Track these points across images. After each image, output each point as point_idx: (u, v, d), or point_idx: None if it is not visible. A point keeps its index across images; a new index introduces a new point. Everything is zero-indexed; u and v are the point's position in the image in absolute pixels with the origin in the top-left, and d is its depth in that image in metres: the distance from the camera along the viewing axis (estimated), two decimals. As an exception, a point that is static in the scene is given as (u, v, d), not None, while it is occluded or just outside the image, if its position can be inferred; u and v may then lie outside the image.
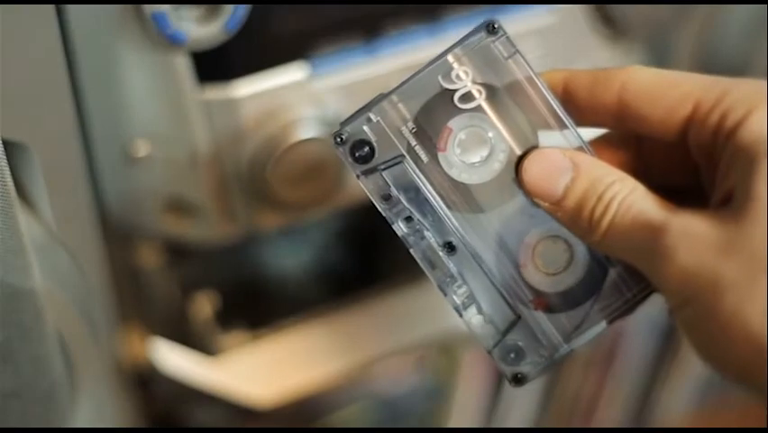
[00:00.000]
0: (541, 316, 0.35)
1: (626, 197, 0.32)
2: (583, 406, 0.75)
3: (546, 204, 0.34)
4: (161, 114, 0.41)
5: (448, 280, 0.35)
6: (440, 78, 0.34)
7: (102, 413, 0.47)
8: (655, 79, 0.34)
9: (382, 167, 0.34)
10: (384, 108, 0.34)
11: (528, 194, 0.34)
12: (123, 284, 0.50)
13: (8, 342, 0.37)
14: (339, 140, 0.34)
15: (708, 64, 0.58)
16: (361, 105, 0.35)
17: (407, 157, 0.34)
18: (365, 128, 0.34)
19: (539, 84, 0.34)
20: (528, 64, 0.34)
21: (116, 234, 0.47)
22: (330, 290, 0.56)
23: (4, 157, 0.35)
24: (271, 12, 0.40)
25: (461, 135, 0.34)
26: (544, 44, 0.48)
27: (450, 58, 0.34)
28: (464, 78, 0.34)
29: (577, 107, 0.35)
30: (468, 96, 0.34)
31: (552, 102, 0.34)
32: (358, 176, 0.34)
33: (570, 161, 0.34)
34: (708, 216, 0.31)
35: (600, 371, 0.73)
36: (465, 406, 0.67)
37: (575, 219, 0.33)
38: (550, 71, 0.36)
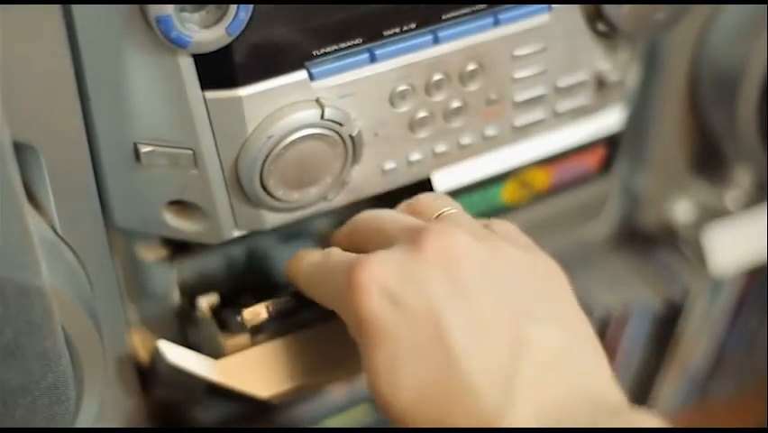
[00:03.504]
0: None
1: None
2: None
3: None
4: (165, 114, 0.42)
5: None
6: None
7: (105, 410, 0.47)
8: (307, 283, 0.44)
9: None
10: None
11: None
12: (126, 284, 0.51)
13: (17, 338, 0.37)
14: None
15: (706, 64, 0.59)
16: None
17: None
18: None
19: None
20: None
21: (120, 234, 0.48)
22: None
23: (14, 159, 0.36)
24: (273, 14, 0.41)
25: None
26: (544, 43, 0.48)
27: None
28: None
29: None
30: None
31: None
32: None
33: None
34: None
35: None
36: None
37: None
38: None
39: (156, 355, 0.47)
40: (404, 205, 0.45)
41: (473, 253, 0.39)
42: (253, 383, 0.48)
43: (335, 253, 0.43)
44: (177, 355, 0.46)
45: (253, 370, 0.48)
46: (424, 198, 0.45)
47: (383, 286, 0.38)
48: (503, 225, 0.44)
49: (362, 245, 0.43)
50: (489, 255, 0.40)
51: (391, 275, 0.39)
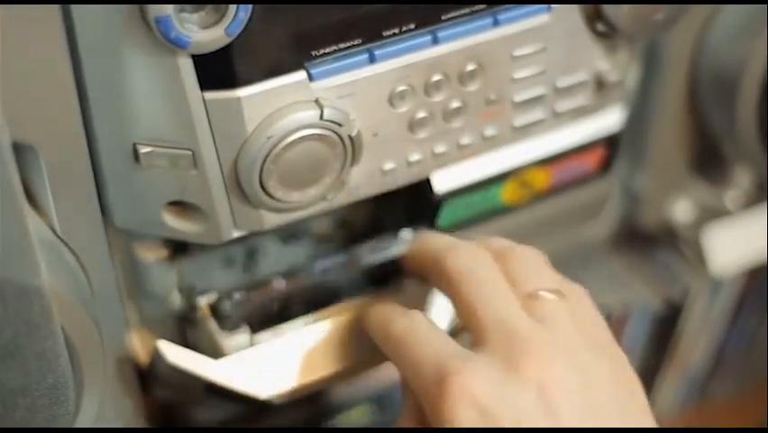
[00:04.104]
0: None
1: None
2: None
3: None
4: (164, 115, 0.42)
5: None
6: None
7: (105, 410, 0.47)
8: (388, 350, 0.44)
9: None
10: None
11: None
12: (126, 284, 0.51)
13: (16, 338, 0.37)
14: None
15: (706, 64, 0.59)
16: None
17: None
18: None
19: None
20: None
21: (120, 235, 0.48)
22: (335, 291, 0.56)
23: (13, 159, 0.36)
24: (272, 15, 0.41)
25: None
26: (543, 43, 0.48)
27: None
28: None
29: None
30: None
31: None
32: None
33: None
34: None
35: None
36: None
37: None
38: None
39: (156, 355, 0.47)
40: (496, 247, 0.44)
41: (570, 387, 0.40)
42: (253, 384, 0.48)
43: (424, 330, 0.43)
44: (176, 355, 0.47)
45: (253, 370, 0.48)
46: (522, 255, 0.44)
47: (477, 402, 0.39)
48: (580, 300, 0.44)
49: (448, 297, 0.43)
50: (583, 388, 0.40)
51: (486, 393, 0.39)
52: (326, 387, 0.61)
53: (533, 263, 0.44)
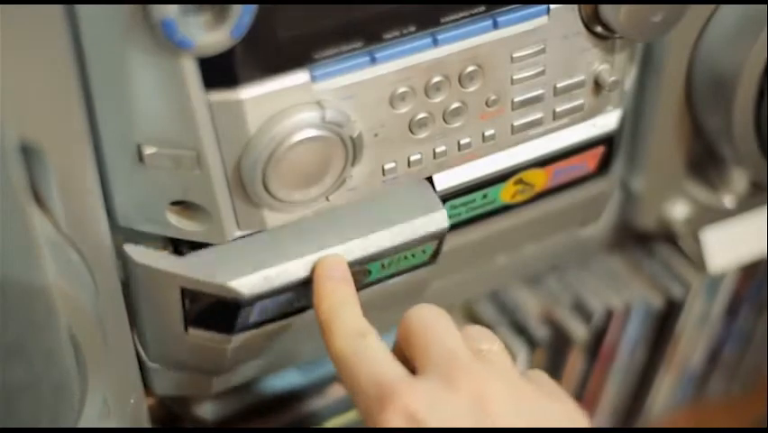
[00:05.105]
0: None
1: None
2: (584, 404, 0.76)
3: None
4: (168, 116, 0.42)
5: None
6: None
7: (108, 409, 0.48)
8: (336, 364, 0.44)
9: None
10: None
11: None
12: (130, 283, 0.51)
13: (21, 337, 0.37)
14: None
15: (702, 66, 0.59)
16: None
17: None
18: None
19: None
20: None
21: (124, 234, 0.48)
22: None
23: (20, 160, 0.36)
24: (275, 18, 0.41)
25: None
26: (542, 45, 0.49)
27: None
28: None
29: None
30: None
31: None
32: None
33: None
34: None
35: (601, 369, 0.74)
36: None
37: None
38: None
39: (126, 261, 0.47)
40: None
41: (504, 399, 0.41)
42: (223, 274, 0.47)
43: (371, 351, 0.44)
44: (143, 255, 0.47)
45: (222, 261, 0.48)
46: (478, 327, 0.46)
47: (411, 415, 0.40)
48: (540, 377, 0.45)
49: (408, 351, 0.44)
50: (519, 403, 0.42)
51: (420, 405, 0.41)
52: (326, 387, 0.61)
53: (486, 333, 0.46)
